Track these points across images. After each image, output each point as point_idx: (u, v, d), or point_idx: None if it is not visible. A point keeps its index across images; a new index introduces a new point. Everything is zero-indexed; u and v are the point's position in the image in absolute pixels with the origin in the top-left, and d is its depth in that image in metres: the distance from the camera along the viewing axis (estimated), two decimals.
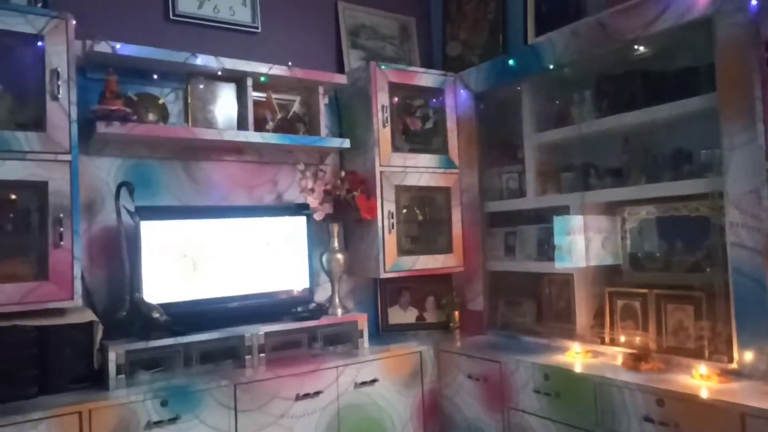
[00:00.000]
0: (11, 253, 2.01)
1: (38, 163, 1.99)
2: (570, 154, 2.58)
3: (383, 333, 2.94)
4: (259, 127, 2.58)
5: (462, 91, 2.93)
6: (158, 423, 2.00)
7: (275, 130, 2.61)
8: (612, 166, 2.45)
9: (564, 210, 2.53)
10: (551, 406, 2.17)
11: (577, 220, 2.47)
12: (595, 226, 2.46)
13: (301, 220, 2.69)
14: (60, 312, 2.07)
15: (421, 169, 2.86)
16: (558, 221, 2.55)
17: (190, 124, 2.47)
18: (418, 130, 2.94)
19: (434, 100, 2.98)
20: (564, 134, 2.54)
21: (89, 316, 2.10)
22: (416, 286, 2.99)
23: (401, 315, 2.99)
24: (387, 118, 2.76)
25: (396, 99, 2.85)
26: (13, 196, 2.05)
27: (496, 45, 3.03)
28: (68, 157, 2.04)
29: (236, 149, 2.64)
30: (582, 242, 2.45)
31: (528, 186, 2.68)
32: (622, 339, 2.28)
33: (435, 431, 2.64)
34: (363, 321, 2.64)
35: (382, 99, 2.75)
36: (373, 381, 2.46)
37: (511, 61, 2.65)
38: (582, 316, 2.46)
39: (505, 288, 2.85)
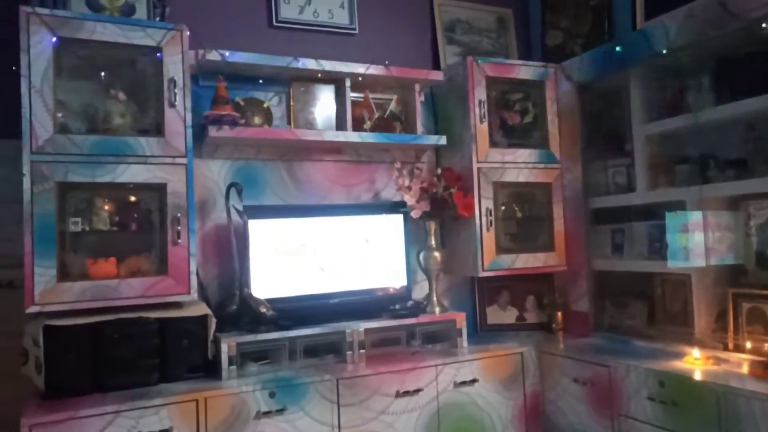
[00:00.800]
0: (136, 249, 2.18)
1: (158, 166, 2.14)
2: (685, 144, 2.40)
3: (481, 333, 2.89)
4: (357, 126, 2.62)
5: (564, 82, 2.82)
6: (267, 413, 2.08)
7: (372, 130, 2.64)
8: (734, 157, 2.24)
9: (679, 205, 2.35)
10: (667, 416, 2.03)
11: (694, 216, 2.30)
12: (715, 222, 2.28)
13: (398, 218, 2.70)
14: (178, 305, 2.22)
15: (520, 165, 2.78)
16: (672, 217, 2.38)
17: (292, 126, 2.56)
18: (516, 125, 2.86)
19: (534, 92, 2.88)
20: (678, 124, 2.36)
21: (204, 309, 2.22)
22: (515, 285, 2.91)
23: (500, 315, 2.92)
24: (484, 113, 2.70)
25: (493, 93, 2.79)
26: (137, 198, 2.22)
27: (600, 32, 2.88)
28: (184, 160, 2.18)
29: (335, 149, 2.70)
30: (700, 240, 2.27)
31: (637, 180, 2.52)
32: (749, 345, 2.09)
33: None
34: (461, 320, 2.61)
35: (479, 94, 2.70)
36: (473, 381, 2.43)
37: (618, 48, 2.51)
38: (701, 320, 2.28)
39: (612, 288, 2.70)
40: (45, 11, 2.02)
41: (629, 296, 2.63)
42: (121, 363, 2.05)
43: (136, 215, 2.22)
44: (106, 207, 2.16)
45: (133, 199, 2.22)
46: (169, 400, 1.97)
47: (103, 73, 2.18)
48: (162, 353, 2.13)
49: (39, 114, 1.98)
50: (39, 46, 1.98)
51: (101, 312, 2.05)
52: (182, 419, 1.97)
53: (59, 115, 2.06)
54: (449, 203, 2.64)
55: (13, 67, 1.95)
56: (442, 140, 2.74)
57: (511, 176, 2.76)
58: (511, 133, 2.85)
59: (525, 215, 2.90)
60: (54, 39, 2.01)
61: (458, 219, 2.71)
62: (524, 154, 2.79)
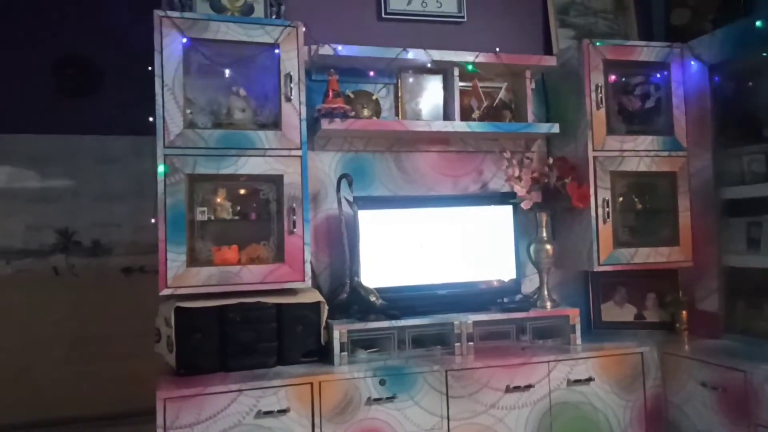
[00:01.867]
0: (255, 238, 2.30)
1: (275, 158, 2.23)
2: None
3: (595, 330, 2.75)
4: (465, 116, 2.58)
5: (692, 63, 2.60)
6: (378, 400, 2.12)
7: (481, 119, 2.59)
8: None
9: None
10: None
11: None
12: None
13: (507, 210, 2.63)
14: (293, 292, 2.30)
15: (640, 153, 2.60)
16: None
17: (400, 117, 2.57)
18: (637, 110, 2.68)
19: (657, 75, 2.69)
20: None
21: (317, 296, 2.30)
22: (634, 281, 2.74)
23: (616, 312, 2.76)
24: (601, 98, 2.56)
25: (611, 77, 2.63)
26: (256, 189, 2.33)
27: (735, 7, 2.62)
28: (299, 153, 2.25)
29: (442, 140, 2.68)
30: None
31: None
32: None
33: None
34: (575, 316, 2.50)
35: (595, 78, 2.56)
36: (588, 380, 2.32)
37: (758, 23, 2.27)
38: None
39: (748, 286, 2.46)
40: (176, 14, 2.17)
41: (767, 296, 2.39)
42: (243, 345, 2.16)
43: (255, 205, 2.33)
44: (229, 198, 2.29)
45: (252, 190, 2.34)
46: (286, 382, 2.06)
47: (225, 71, 2.30)
48: (279, 337, 2.22)
49: (171, 110, 2.13)
50: (171, 47, 2.13)
51: (224, 296, 2.17)
52: (298, 401, 2.06)
53: (188, 111, 2.20)
54: (562, 194, 2.53)
55: (149, 68, 2.11)
56: (555, 128, 2.63)
57: (631, 165, 2.60)
58: (630, 120, 2.68)
59: (645, 207, 2.71)
60: (184, 40, 2.15)
61: (572, 210, 2.59)
62: (645, 142, 2.61)
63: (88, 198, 3.83)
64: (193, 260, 2.19)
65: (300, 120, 2.25)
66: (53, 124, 3.73)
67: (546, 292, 2.58)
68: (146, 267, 3.90)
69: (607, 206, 2.54)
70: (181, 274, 2.13)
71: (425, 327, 2.36)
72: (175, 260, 2.13)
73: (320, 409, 2.07)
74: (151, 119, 2.12)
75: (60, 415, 3.67)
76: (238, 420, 2.00)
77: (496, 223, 2.62)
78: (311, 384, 2.08)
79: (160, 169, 2.12)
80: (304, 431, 2.06)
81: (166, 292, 2.13)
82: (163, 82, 2.12)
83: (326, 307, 2.29)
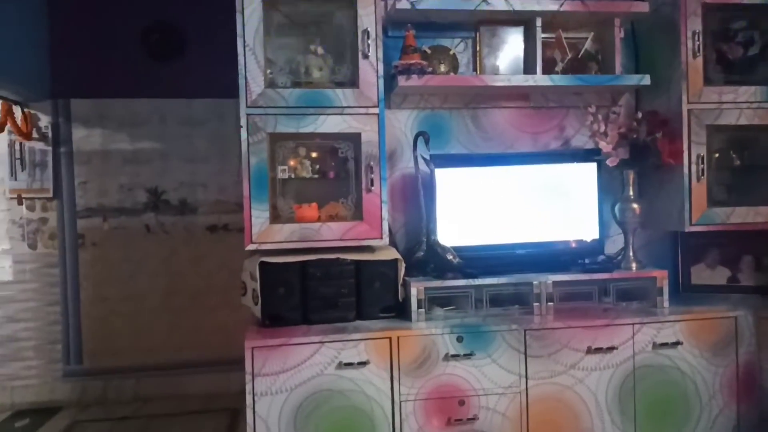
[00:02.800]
0: (334, 196, 2.34)
1: (353, 116, 2.24)
2: None
3: (684, 293, 2.63)
4: (547, 69, 2.47)
5: None
6: (455, 356, 2.14)
7: (565, 72, 2.48)
8: None
9: None
10: None
11: None
12: None
13: (590, 167, 2.53)
14: (370, 249, 2.34)
15: (741, 105, 2.41)
16: None
17: (478, 72, 2.50)
18: (738, 59, 2.47)
19: (762, 19, 2.45)
20: None
21: (394, 254, 2.32)
22: (728, 242, 2.57)
23: (708, 275, 2.62)
24: (698, 46, 2.37)
25: (710, 23, 2.43)
26: (334, 147, 2.35)
27: None
28: (376, 110, 2.25)
29: (522, 95, 2.59)
30: None
31: None
32: None
33: (751, 409, 2.29)
34: (663, 278, 2.39)
35: (693, 25, 2.37)
36: (676, 344, 2.23)
37: None
38: None
39: None
40: None
41: None
42: (324, 299, 2.23)
43: (333, 164, 2.36)
44: (308, 156, 2.33)
45: (330, 148, 2.36)
46: (366, 336, 2.12)
47: (303, 29, 2.31)
48: (358, 293, 2.28)
49: (252, 71, 2.17)
50: (251, 7, 2.16)
51: (305, 252, 2.24)
52: (377, 354, 2.11)
53: (268, 71, 2.24)
54: (652, 150, 2.40)
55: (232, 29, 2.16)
56: (645, 80, 2.47)
57: (730, 118, 2.41)
58: (730, 69, 2.47)
59: (744, 163, 2.52)
60: None
61: (662, 168, 2.45)
62: (747, 93, 2.41)
63: (175, 159, 4.03)
64: (276, 217, 2.27)
65: (377, 77, 2.24)
66: (143, 88, 3.92)
67: (631, 253, 2.48)
68: (230, 225, 4.08)
69: (702, 163, 2.39)
70: (264, 231, 2.21)
71: (503, 286, 2.34)
72: (258, 217, 2.20)
73: (398, 362, 2.12)
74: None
75: (158, 361, 3.97)
76: (320, 370, 2.08)
77: (579, 182, 2.52)
78: (390, 338, 2.13)
79: (243, 129, 2.18)
80: (383, 383, 2.12)
81: (251, 247, 2.21)
82: (244, 42, 2.17)
83: (403, 265, 2.31)
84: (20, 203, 3.84)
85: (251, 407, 2.05)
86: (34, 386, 3.86)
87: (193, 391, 3.97)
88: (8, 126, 3.66)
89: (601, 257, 2.53)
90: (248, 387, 2.05)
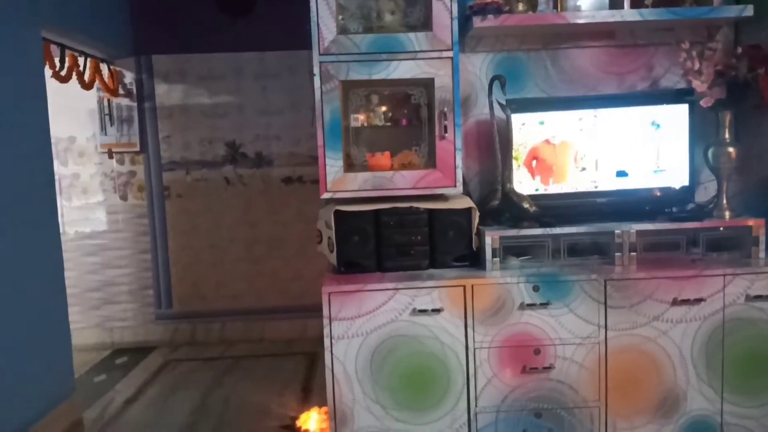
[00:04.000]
0: (407, 144, 2.31)
1: (426, 61, 2.18)
2: None
3: None
4: (636, 3, 2.29)
5: None
6: (531, 305, 2.11)
7: (655, 5, 2.28)
8: None
9: None
10: None
11: None
12: None
13: (681, 109, 2.35)
14: (443, 198, 2.31)
15: None
16: None
17: (559, 9, 2.35)
18: None
19: None
20: None
21: (468, 202, 2.28)
22: None
23: None
24: None
25: None
26: (407, 94, 2.31)
27: None
28: (450, 54, 2.18)
29: (607, 33, 2.43)
30: None
31: None
32: None
33: None
34: (759, 227, 2.23)
35: None
36: None
37: None
38: None
39: None
40: None
41: None
42: (397, 247, 2.24)
43: (405, 111, 2.33)
44: (381, 104, 2.31)
45: (403, 95, 2.32)
46: (440, 284, 2.12)
47: None
48: (431, 241, 2.27)
49: (324, 17, 2.15)
50: None
51: (379, 201, 2.25)
52: (451, 302, 2.11)
53: (340, 17, 2.21)
54: (752, 89, 2.19)
55: None
56: (747, 11, 2.24)
57: None
58: None
59: None
60: None
61: (762, 108, 2.24)
62: None
63: (251, 112, 4.12)
64: (349, 166, 2.28)
65: (451, 19, 2.16)
66: (219, 43, 4.01)
67: (725, 201, 2.31)
68: (304, 177, 4.17)
69: None
70: (338, 179, 2.23)
71: (582, 236, 2.25)
72: (333, 166, 2.22)
73: (473, 311, 2.12)
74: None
75: (241, 306, 4.19)
76: (395, 316, 2.12)
77: (668, 125, 2.36)
78: (464, 286, 2.12)
79: (316, 77, 2.17)
80: (457, 330, 2.13)
81: (326, 195, 2.24)
82: None
83: (477, 214, 2.28)
84: (111, 157, 4.08)
85: (329, 349, 2.12)
86: (131, 328, 4.19)
87: (274, 336, 4.17)
88: (97, 83, 3.86)
89: (691, 205, 2.38)
90: (326, 330, 2.12)
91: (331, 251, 2.30)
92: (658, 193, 2.37)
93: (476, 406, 2.15)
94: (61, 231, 4.02)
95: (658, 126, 2.36)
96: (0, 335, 2.44)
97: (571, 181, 2.37)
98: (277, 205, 4.16)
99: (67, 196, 4.08)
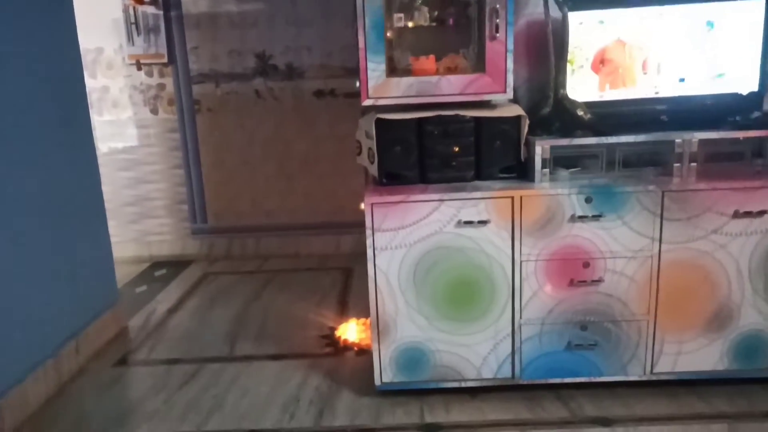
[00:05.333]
0: (453, 47, 2.17)
1: None
2: None
3: None
4: None
5: None
6: (582, 217, 2.02)
7: None
8: None
9: None
10: None
11: None
12: None
13: (755, 6, 2.13)
14: (491, 105, 2.19)
15: None
16: None
17: None
18: None
19: None
20: None
21: (518, 110, 2.15)
22: None
23: None
24: None
25: None
26: None
27: None
28: None
29: None
30: None
31: None
32: None
33: None
34: None
35: None
36: None
37: None
38: None
39: None
40: None
41: None
42: (441, 157, 2.15)
43: (453, 10, 2.16)
44: (426, 2, 2.14)
45: None
46: (486, 195, 2.04)
47: None
48: (477, 151, 2.17)
49: None
50: None
51: (423, 108, 2.13)
52: (498, 214, 2.04)
53: None
54: None
55: None
56: None
57: None
58: None
59: None
60: None
61: None
62: None
63: (280, 22, 3.93)
64: (392, 70, 2.15)
65: None
66: None
67: None
68: (336, 90, 4.02)
69: None
70: (380, 84, 2.11)
71: (639, 145, 2.13)
72: (375, 70, 2.10)
73: (520, 223, 2.05)
74: None
75: (275, 222, 4.19)
76: (439, 228, 2.06)
77: (739, 23, 2.15)
78: (512, 198, 2.04)
79: None
80: (503, 243, 2.07)
81: (367, 102, 2.14)
82: None
83: (527, 122, 2.15)
84: (139, 69, 3.97)
85: (372, 260, 2.09)
86: (168, 241, 4.25)
87: (308, 251, 4.19)
88: None
89: (757, 114, 2.21)
90: (368, 241, 2.08)
91: (372, 162, 2.22)
92: (724, 100, 2.20)
93: (521, 318, 2.12)
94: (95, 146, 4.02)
95: (728, 25, 2.15)
96: (47, 248, 2.47)
97: (632, 87, 2.20)
98: (309, 120, 4.05)
99: (98, 110, 4.03)
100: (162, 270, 4.04)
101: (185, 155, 4.11)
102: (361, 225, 2.08)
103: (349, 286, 3.52)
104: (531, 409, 2.13)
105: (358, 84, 2.13)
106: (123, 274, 3.93)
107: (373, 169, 2.21)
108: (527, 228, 2.05)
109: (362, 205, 2.07)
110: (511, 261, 2.08)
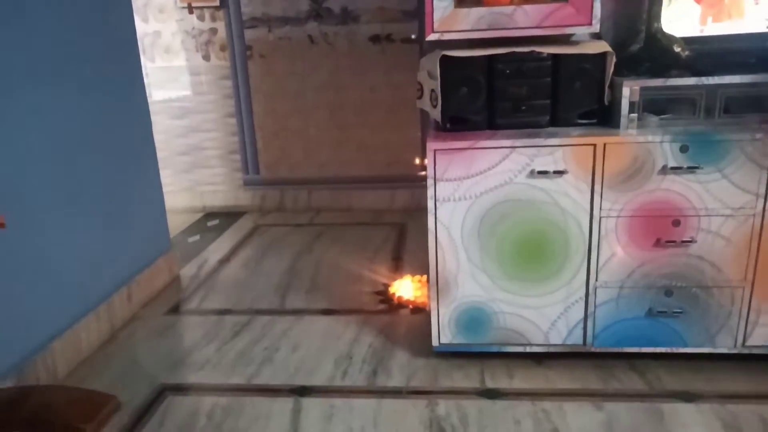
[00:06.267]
0: None
1: None
2: None
3: None
4: None
5: None
6: (675, 169, 1.78)
7: None
8: None
9: None
10: None
11: None
12: None
13: None
14: (571, 41, 1.94)
15: None
16: None
17: None
18: None
19: None
20: None
21: (603, 47, 1.89)
22: None
23: None
24: None
25: None
26: None
27: None
28: None
29: None
30: None
31: None
32: None
33: None
34: None
35: None
36: None
37: None
38: None
39: None
40: None
41: None
42: (513, 100, 1.93)
43: None
44: None
45: None
46: (564, 142, 1.82)
47: None
48: (554, 94, 1.94)
49: None
50: None
51: (494, 44, 1.91)
52: (577, 163, 1.82)
53: None
54: None
55: None
56: None
57: None
58: None
59: None
60: None
61: None
62: None
63: None
64: (461, 1, 1.91)
65: None
66: None
67: None
68: (393, 35, 3.79)
69: None
70: (447, 16, 1.88)
71: (744, 88, 1.84)
72: (442, 0, 1.87)
73: (602, 174, 1.82)
74: None
75: (327, 174, 4.07)
76: (509, 178, 1.86)
77: None
78: (594, 146, 1.81)
79: None
80: (581, 196, 1.85)
81: (432, 37, 1.92)
82: None
83: (613, 60, 1.89)
84: (191, 12, 3.85)
85: (432, 212, 1.92)
86: (221, 192, 4.20)
87: (361, 205, 4.06)
88: None
89: None
90: (429, 192, 1.91)
91: (434, 106, 2.02)
92: None
93: (596, 280, 1.92)
94: (147, 93, 3.96)
95: None
96: (100, 190, 2.42)
97: (739, 20, 1.90)
98: (363, 67, 3.85)
99: (150, 56, 3.95)
100: (215, 220, 4.00)
101: (237, 103, 4.00)
102: (417, 179, 1.92)
103: (403, 242, 3.37)
104: (603, 379, 1.95)
105: (413, 35, 1.91)
106: (176, 223, 3.92)
107: (436, 113, 2.02)
108: (610, 180, 1.82)
109: (418, 160, 1.89)
110: (589, 216, 1.86)
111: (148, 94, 2.88)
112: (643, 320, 1.95)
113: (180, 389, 2.02)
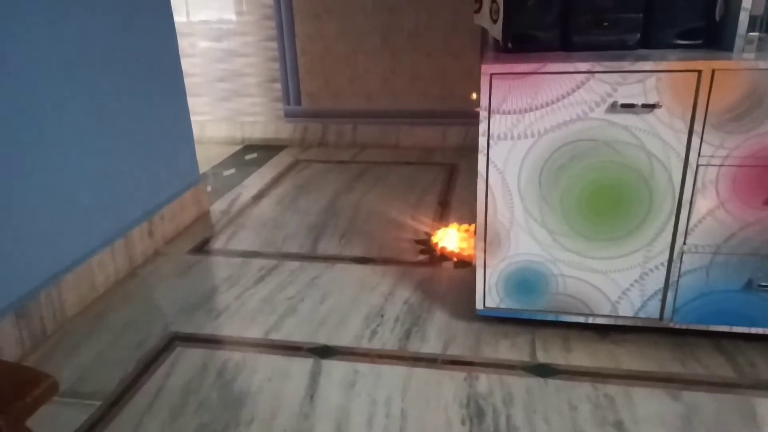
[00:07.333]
0: None
1: None
2: None
3: None
4: None
5: None
6: None
7: None
8: None
9: None
10: None
11: None
12: None
13: None
14: None
15: None
16: None
17: None
18: None
19: None
20: None
21: None
22: None
23: None
24: None
25: None
26: None
27: None
28: None
29: None
30: None
31: None
32: None
33: None
34: None
35: None
36: None
37: None
38: None
39: None
40: None
41: None
42: (593, 14, 1.53)
43: None
44: None
45: None
46: (659, 67, 1.41)
47: None
48: (647, 7, 1.52)
49: None
50: None
51: None
52: (674, 95, 1.42)
53: None
54: None
55: None
56: None
57: None
58: None
59: None
60: None
61: None
62: None
63: None
64: None
65: None
66: None
67: None
68: None
69: None
70: None
71: None
72: None
73: (706, 109, 1.42)
74: None
75: (374, 107, 3.73)
76: (584, 111, 1.49)
77: None
78: (699, 72, 1.40)
79: None
80: (675, 137, 1.46)
81: None
82: None
83: None
84: None
85: (484, 152, 1.58)
86: (260, 123, 3.95)
87: (409, 142, 3.72)
88: None
89: None
90: (482, 127, 1.56)
91: (495, 21, 1.64)
92: None
93: (684, 243, 1.56)
94: (185, 14, 3.67)
95: None
96: (122, 118, 2.20)
97: None
98: None
99: None
100: (253, 154, 3.77)
101: (279, 25, 3.66)
102: (473, 115, 1.56)
103: (452, 186, 3.05)
104: (682, 361, 1.62)
105: None
106: (214, 155, 3.73)
107: (496, 30, 1.64)
108: (716, 117, 1.42)
109: (475, 94, 1.54)
110: (684, 163, 1.48)
111: (186, 13, 2.59)
112: (738, 294, 1.58)
113: (192, 339, 1.83)
